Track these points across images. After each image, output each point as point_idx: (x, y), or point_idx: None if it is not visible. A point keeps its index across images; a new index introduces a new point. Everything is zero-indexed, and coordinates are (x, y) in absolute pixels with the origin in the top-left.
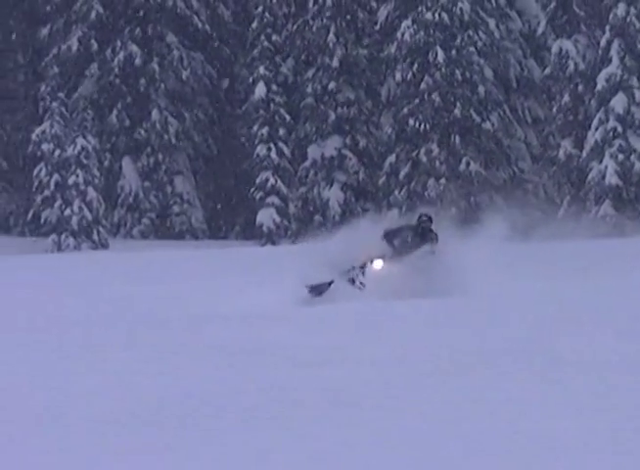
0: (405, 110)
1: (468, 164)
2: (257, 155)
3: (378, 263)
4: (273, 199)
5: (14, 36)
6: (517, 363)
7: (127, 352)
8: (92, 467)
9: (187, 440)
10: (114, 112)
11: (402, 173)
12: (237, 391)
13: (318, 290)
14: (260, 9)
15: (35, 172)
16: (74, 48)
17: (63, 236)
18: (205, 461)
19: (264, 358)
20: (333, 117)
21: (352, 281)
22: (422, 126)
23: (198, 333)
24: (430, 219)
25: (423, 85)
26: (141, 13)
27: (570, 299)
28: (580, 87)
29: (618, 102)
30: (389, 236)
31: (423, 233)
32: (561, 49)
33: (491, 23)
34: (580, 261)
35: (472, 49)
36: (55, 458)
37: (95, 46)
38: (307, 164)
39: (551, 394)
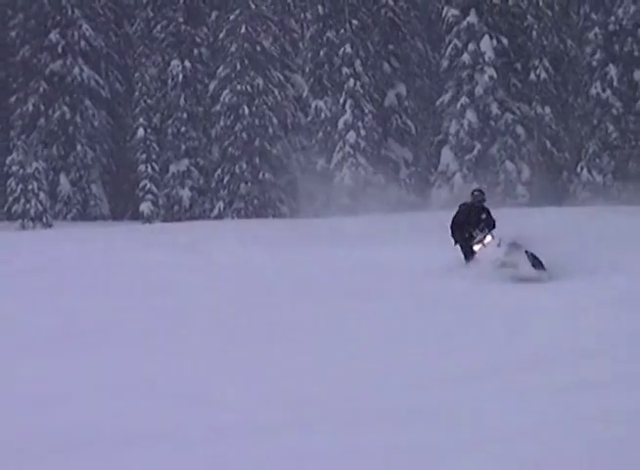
0: None
1: None
2: None
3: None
4: None
5: None
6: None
7: None
8: None
9: None
10: None
11: None
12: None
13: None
14: None
15: None
16: None
17: None
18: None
19: None
20: None
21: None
22: None
23: None
24: (483, 193)
25: None
26: None
27: None
28: (329, 128)
29: (351, 136)
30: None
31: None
32: (317, 105)
33: (276, 91)
34: None
35: None
36: None
37: None
38: None
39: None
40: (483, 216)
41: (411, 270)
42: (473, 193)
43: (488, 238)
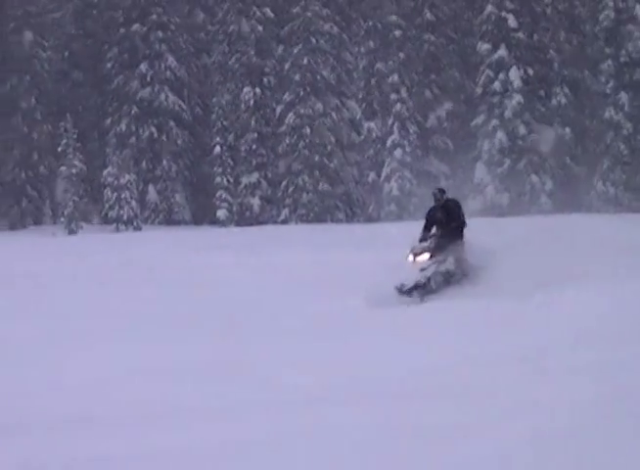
0: None
1: None
2: None
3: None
4: None
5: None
6: None
7: None
8: None
9: None
10: None
11: None
12: None
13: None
14: None
15: None
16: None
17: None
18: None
19: None
20: None
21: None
22: None
23: None
24: (441, 191)
25: None
26: None
27: None
28: (378, 146)
29: (398, 153)
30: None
31: (445, 208)
32: (368, 126)
33: (333, 114)
34: None
35: None
36: None
37: None
38: None
39: None
40: (442, 217)
41: None
42: (432, 194)
43: (425, 256)
